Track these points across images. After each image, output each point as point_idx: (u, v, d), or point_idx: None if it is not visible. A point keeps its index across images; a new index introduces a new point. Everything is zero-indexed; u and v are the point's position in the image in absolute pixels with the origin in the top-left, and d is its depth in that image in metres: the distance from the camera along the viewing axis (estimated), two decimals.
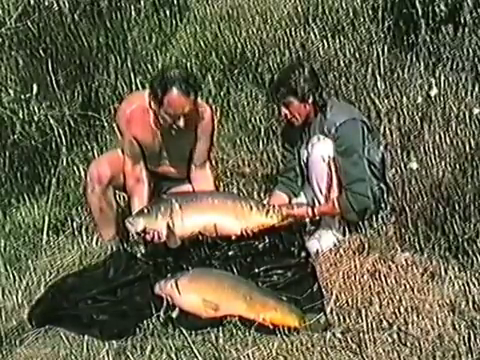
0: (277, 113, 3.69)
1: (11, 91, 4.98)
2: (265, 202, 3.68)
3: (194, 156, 3.69)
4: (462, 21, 4.24)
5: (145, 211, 3.42)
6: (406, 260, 3.32)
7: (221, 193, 3.80)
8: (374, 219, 3.50)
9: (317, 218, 3.54)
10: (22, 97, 4.91)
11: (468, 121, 3.81)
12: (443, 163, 3.61)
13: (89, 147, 4.89)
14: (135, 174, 3.63)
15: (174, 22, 5.56)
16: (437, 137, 3.78)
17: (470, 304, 2.98)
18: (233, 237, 3.40)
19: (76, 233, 4.01)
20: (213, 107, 4.11)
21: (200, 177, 3.71)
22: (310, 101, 3.51)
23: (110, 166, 3.63)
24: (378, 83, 4.29)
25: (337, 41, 4.65)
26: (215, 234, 3.37)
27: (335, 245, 3.52)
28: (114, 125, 4.79)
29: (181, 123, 3.40)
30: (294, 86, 3.48)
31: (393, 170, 3.72)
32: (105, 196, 3.64)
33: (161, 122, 3.45)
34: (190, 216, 3.40)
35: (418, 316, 2.95)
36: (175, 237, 3.36)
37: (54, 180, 4.63)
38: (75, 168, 4.72)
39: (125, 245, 3.63)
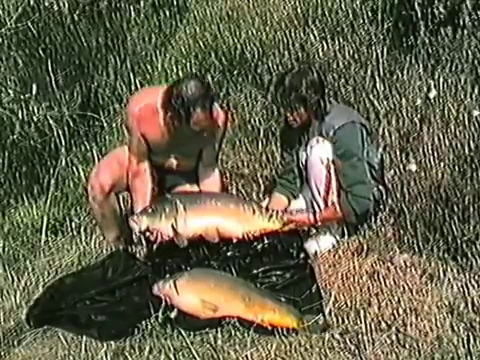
0: (276, 113, 3.66)
1: (10, 91, 4.99)
2: (265, 204, 3.67)
3: (203, 156, 3.66)
4: (461, 23, 4.24)
5: (149, 210, 3.41)
6: (405, 261, 3.32)
7: (225, 195, 3.74)
8: (373, 220, 3.50)
9: (319, 224, 3.52)
10: (21, 97, 4.92)
11: (467, 123, 3.80)
12: (442, 165, 3.61)
13: (88, 147, 4.89)
14: (139, 172, 3.58)
15: (173, 23, 5.56)
16: (436, 139, 3.78)
17: (469, 306, 2.98)
18: (234, 240, 3.38)
19: (75, 233, 4.00)
20: (227, 112, 4.04)
21: (207, 177, 3.67)
22: (314, 109, 3.51)
23: (111, 173, 3.61)
24: (377, 85, 4.28)
25: (336, 43, 4.64)
26: (217, 238, 3.36)
27: (334, 246, 3.51)
28: (119, 122, 4.83)
29: (205, 134, 3.47)
30: (305, 95, 3.45)
31: (392, 172, 3.72)
32: (107, 203, 3.63)
33: (178, 128, 3.44)
34: (193, 218, 3.39)
35: (417, 318, 2.95)
36: (182, 237, 3.35)
37: (53, 180, 4.63)
38: (74, 168, 4.72)
39: (128, 247, 3.63)
